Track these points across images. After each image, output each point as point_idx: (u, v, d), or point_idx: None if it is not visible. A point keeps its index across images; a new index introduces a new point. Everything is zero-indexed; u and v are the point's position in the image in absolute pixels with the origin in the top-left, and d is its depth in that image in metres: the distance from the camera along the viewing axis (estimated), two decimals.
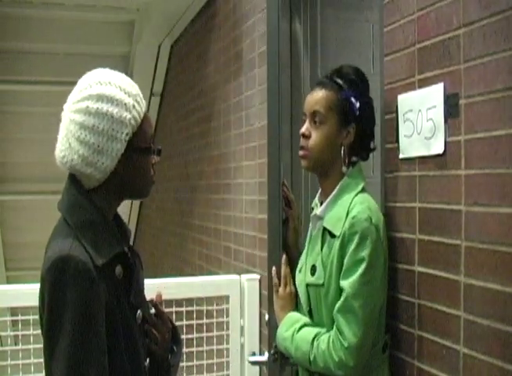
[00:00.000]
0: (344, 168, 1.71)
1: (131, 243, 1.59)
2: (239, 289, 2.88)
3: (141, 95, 1.46)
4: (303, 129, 1.73)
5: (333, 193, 1.70)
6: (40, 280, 1.36)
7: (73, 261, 1.30)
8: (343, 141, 1.70)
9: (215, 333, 2.84)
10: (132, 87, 1.44)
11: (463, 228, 1.46)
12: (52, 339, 1.29)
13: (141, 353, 1.46)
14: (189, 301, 2.81)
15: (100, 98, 1.38)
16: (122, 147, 1.39)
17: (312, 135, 1.71)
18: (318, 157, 1.71)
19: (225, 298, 2.86)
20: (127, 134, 1.39)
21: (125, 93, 1.41)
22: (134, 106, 1.41)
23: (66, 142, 1.40)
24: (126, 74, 1.48)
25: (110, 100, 1.38)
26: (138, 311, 1.47)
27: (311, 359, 1.63)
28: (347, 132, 1.70)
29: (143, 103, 1.46)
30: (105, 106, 1.37)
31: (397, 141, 1.74)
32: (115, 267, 1.40)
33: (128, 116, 1.39)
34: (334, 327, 1.60)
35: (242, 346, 2.87)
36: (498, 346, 1.34)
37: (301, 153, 1.74)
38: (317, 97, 1.72)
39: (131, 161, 1.42)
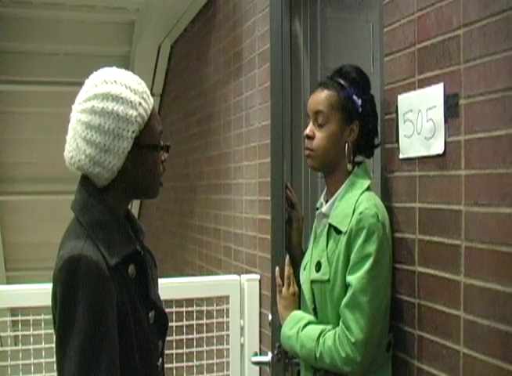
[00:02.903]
0: (349, 166, 1.72)
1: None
2: (239, 289, 2.88)
3: (148, 92, 1.46)
4: (307, 131, 1.75)
5: (339, 190, 1.72)
6: (52, 280, 1.36)
7: (85, 260, 1.30)
8: (347, 139, 1.72)
9: (215, 333, 2.84)
10: (139, 84, 1.44)
11: (463, 228, 1.46)
12: (64, 338, 1.29)
13: (153, 353, 1.47)
14: (189, 302, 2.81)
15: (106, 97, 1.38)
16: (129, 145, 1.39)
17: (316, 135, 1.73)
18: (323, 157, 1.73)
19: (225, 299, 2.86)
20: (133, 131, 1.39)
21: (131, 91, 1.41)
22: (140, 104, 1.40)
23: (74, 143, 1.41)
24: None
25: (116, 99, 1.38)
26: (152, 311, 1.48)
27: (318, 356, 1.63)
28: (350, 130, 1.72)
29: (150, 100, 1.46)
30: (110, 105, 1.37)
31: (397, 141, 1.74)
32: (128, 266, 1.41)
33: (134, 113, 1.39)
34: (341, 322, 1.61)
35: (242, 346, 2.87)
36: (498, 346, 1.34)
37: (306, 152, 1.76)
38: (319, 97, 1.73)
39: (139, 159, 1.42)
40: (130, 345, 1.37)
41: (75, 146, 1.40)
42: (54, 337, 1.35)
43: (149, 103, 1.45)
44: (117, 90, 1.39)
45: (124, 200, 1.48)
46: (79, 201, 1.42)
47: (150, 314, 1.47)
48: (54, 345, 1.33)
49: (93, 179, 1.42)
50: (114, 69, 1.46)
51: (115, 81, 1.40)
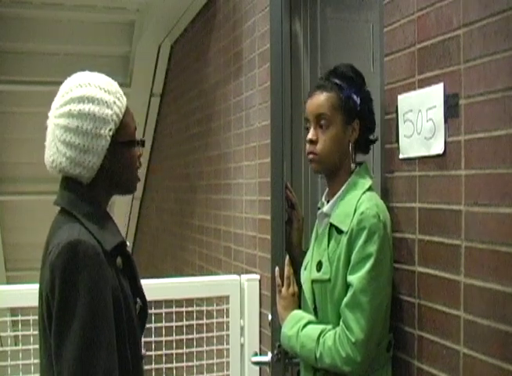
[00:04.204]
0: (352, 165, 1.72)
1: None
2: (239, 289, 2.88)
3: (121, 92, 1.52)
4: (310, 135, 1.72)
5: (341, 190, 1.71)
6: (46, 268, 1.38)
7: (83, 245, 1.35)
8: (349, 138, 1.71)
9: (215, 333, 2.84)
10: (111, 85, 1.51)
11: (463, 228, 1.46)
12: (64, 321, 1.32)
13: (139, 342, 1.51)
14: (189, 302, 2.81)
15: (81, 99, 1.44)
16: (107, 143, 1.45)
17: (320, 139, 1.71)
18: (328, 160, 1.71)
19: (225, 299, 2.86)
20: (110, 130, 1.45)
21: (105, 92, 1.47)
22: (115, 103, 1.47)
23: (54, 147, 1.46)
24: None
25: (91, 100, 1.44)
26: (138, 301, 1.52)
27: (318, 356, 1.63)
28: (352, 129, 1.72)
29: (123, 99, 1.52)
30: (87, 107, 1.44)
31: (397, 141, 1.74)
32: (116, 257, 1.45)
33: (110, 112, 1.45)
34: (341, 322, 1.61)
35: (242, 346, 2.87)
36: (498, 346, 1.34)
37: (310, 156, 1.73)
38: (319, 100, 1.72)
39: (117, 156, 1.48)
40: (122, 332, 1.40)
41: (55, 149, 1.46)
42: (48, 326, 1.36)
43: (123, 101, 1.51)
44: (92, 92, 1.45)
45: (105, 196, 1.53)
46: (67, 197, 1.47)
47: (137, 305, 1.51)
48: (50, 332, 1.35)
49: (75, 179, 1.47)
50: (87, 72, 1.53)
51: (89, 84, 1.47)
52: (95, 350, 1.30)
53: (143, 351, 1.56)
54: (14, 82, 5.58)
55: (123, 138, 1.49)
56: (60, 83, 1.52)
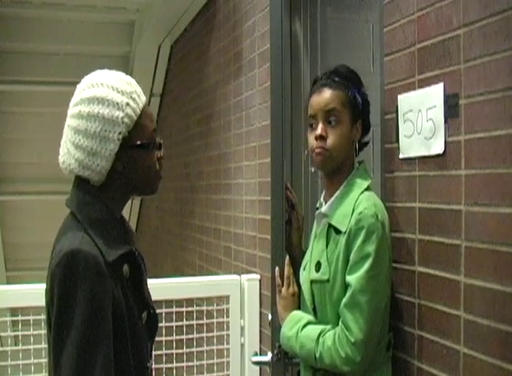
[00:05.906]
0: (356, 165, 1.73)
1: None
2: (239, 289, 2.88)
3: (138, 91, 1.45)
4: (319, 131, 1.68)
5: (339, 190, 1.71)
6: (48, 275, 1.36)
7: (84, 254, 1.31)
8: (354, 138, 1.71)
9: (215, 333, 2.84)
10: (128, 85, 1.44)
11: (463, 228, 1.46)
12: (62, 331, 1.30)
13: (145, 353, 1.47)
14: (189, 302, 2.81)
15: (92, 100, 1.39)
16: (116, 147, 1.39)
17: (330, 135, 1.68)
18: (337, 157, 1.69)
19: (225, 298, 2.86)
20: (120, 133, 1.39)
21: (118, 92, 1.41)
22: (128, 104, 1.40)
23: (66, 148, 1.43)
24: (126, 74, 1.49)
25: (101, 101, 1.39)
26: (145, 311, 1.49)
27: (317, 356, 1.63)
28: (356, 129, 1.71)
29: (141, 99, 1.45)
30: (96, 108, 1.38)
31: (397, 141, 1.74)
32: (122, 266, 1.41)
33: (121, 115, 1.39)
34: (340, 322, 1.61)
35: (242, 346, 2.87)
36: (498, 346, 1.34)
37: (318, 150, 1.69)
38: (329, 96, 1.69)
39: (130, 159, 1.43)
40: (124, 343, 1.38)
41: (66, 150, 1.43)
42: (49, 331, 1.35)
43: (140, 101, 1.44)
44: (103, 93, 1.40)
45: (120, 199, 1.48)
46: (75, 199, 1.43)
47: (143, 314, 1.48)
48: (50, 339, 1.34)
49: (86, 179, 1.43)
50: (104, 71, 1.47)
51: (101, 84, 1.41)
52: (91, 361, 1.29)
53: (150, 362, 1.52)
54: (14, 82, 5.59)
55: (137, 140, 1.43)
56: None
